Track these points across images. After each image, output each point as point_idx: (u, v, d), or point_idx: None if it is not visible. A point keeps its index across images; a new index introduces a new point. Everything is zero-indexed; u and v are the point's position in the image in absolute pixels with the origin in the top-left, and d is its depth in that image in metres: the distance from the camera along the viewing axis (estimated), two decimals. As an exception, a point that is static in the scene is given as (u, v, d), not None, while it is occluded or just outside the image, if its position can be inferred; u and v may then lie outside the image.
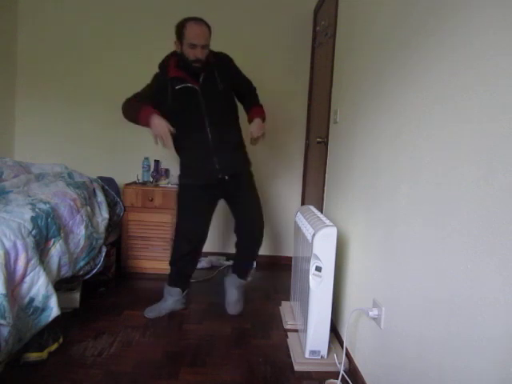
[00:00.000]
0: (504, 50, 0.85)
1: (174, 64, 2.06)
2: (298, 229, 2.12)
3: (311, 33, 3.10)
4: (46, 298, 1.64)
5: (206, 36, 1.99)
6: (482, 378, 0.88)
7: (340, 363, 1.65)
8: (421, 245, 1.19)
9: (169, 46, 3.09)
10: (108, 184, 2.67)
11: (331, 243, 1.70)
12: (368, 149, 1.69)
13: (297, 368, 1.76)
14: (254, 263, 2.50)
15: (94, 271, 2.18)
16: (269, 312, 2.35)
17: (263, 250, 3.28)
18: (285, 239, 3.31)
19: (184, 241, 2.22)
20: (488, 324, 0.87)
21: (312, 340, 1.76)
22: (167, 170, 3.14)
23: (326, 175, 2.38)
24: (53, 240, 1.81)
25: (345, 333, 1.80)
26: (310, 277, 1.73)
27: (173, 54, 2.11)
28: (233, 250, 2.40)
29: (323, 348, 1.77)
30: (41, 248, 1.72)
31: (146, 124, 1.95)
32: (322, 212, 2.33)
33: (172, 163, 3.13)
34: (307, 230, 1.85)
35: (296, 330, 2.04)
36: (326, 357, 1.78)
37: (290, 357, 1.84)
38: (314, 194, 2.80)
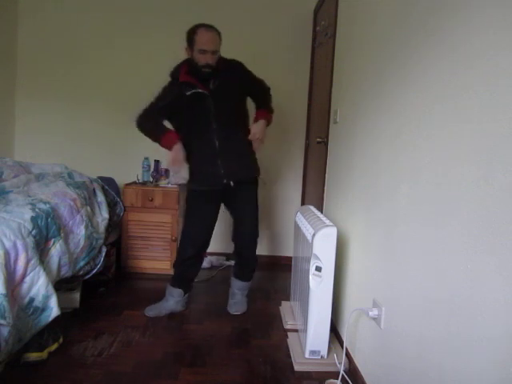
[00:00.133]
0: (504, 50, 0.85)
1: (184, 71, 2.10)
2: (297, 229, 2.12)
3: (311, 33, 3.10)
4: (46, 297, 1.64)
5: (216, 42, 2.02)
6: (482, 378, 0.88)
7: (340, 363, 1.65)
8: (421, 245, 1.19)
9: (169, 45, 3.11)
10: (108, 184, 2.67)
11: (331, 243, 1.70)
12: (368, 149, 1.69)
13: (297, 368, 1.76)
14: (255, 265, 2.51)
15: (94, 271, 2.18)
16: (269, 312, 2.35)
17: (263, 250, 3.30)
18: (285, 239, 3.31)
19: (189, 245, 2.23)
20: (488, 324, 0.87)
21: (312, 340, 1.76)
22: (167, 170, 3.14)
23: (326, 175, 2.38)
24: (53, 240, 1.81)
25: (345, 333, 1.80)
26: (310, 277, 1.73)
27: (183, 63, 2.14)
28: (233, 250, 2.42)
29: (323, 348, 1.77)
30: (41, 248, 1.72)
31: (167, 148, 2.06)
32: (322, 212, 2.33)
33: (172, 163, 3.12)
34: (307, 230, 1.85)
35: (296, 330, 2.04)
36: (326, 357, 1.78)
37: (289, 357, 1.84)
38: (314, 193, 2.80)
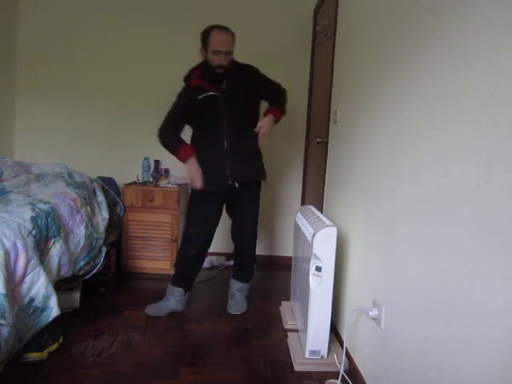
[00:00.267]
0: (504, 50, 0.85)
1: (197, 75, 2.13)
2: (298, 229, 2.12)
3: (311, 33, 3.10)
4: (46, 297, 1.64)
5: (230, 43, 2.05)
6: (482, 378, 0.88)
7: (340, 363, 1.65)
8: (421, 245, 1.19)
9: (169, 44, 3.12)
10: (108, 184, 2.67)
11: (331, 243, 1.70)
12: (368, 149, 1.69)
13: (297, 368, 1.76)
14: (254, 266, 2.52)
15: (94, 271, 2.18)
16: (269, 312, 2.35)
17: (263, 250, 3.30)
18: (285, 239, 3.31)
19: (191, 244, 2.24)
20: (488, 324, 0.87)
21: (312, 340, 1.76)
22: (167, 170, 3.14)
23: (326, 175, 2.38)
24: (53, 240, 1.81)
25: (345, 333, 1.80)
26: (310, 277, 1.73)
27: (197, 67, 2.17)
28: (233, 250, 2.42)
29: (323, 348, 1.77)
30: (41, 248, 1.72)
31: (182, 161, 2.14)
32: (322, 212, 2.33)
33: (172, 163, 3.13)
34: (307, 230, 1.85)
35: (296, 330, 2.04)
36: (326, 357, 1.78)
37: (290, 357, 1.84)
38: (313, 193, 2.80)
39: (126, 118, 3.19)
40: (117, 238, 2.79)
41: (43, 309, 1.64)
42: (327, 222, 1.79)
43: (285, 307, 2.33)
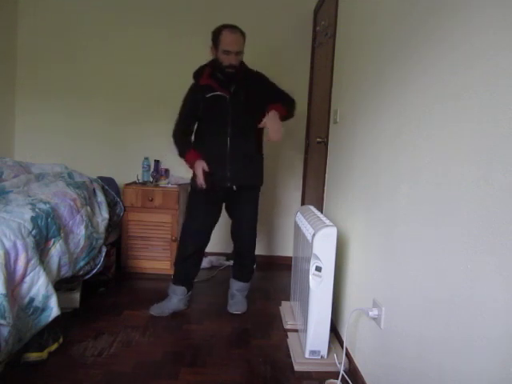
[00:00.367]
0: (504, 50, 0.85)
1: (207, 74, 2.13)
2: (298, 229, 2.12)
3: (311, 33, 3.10)
4: (46, 297, 1.64)
5: (240, 43, 2.06)
6: (482, 378, 0.88)
7: (340, 363, 1.65)
8: (421, 245, 1.19)
9: (169, 44, 3.12)
10: (108, 184, 2.67)
11: (331, 243, 1.70)
12: (368, 149, 1.69)
13: (297, 368, 1.76)
14: (255, 265, 2.52)
15: (94, 271, 2.18)
16: (269, 312, 2.35)
17: (263, 250, 3.30)
18: (285, 239, 3.31)
19: (189, 242, 2.25)
20: (488, 324, 0.87)
21: (312, 340, 1.76)
22: (167, 170, 3.14)
23: (326, 175, 2.38)
24: (53, 240, 1.81)
25: (345, 333, 1.80)
26: (310, 277, 1.73)
27: (207, 65, 2.17)
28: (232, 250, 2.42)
29: (323, 348, 1.77)
30: (41, 248, 1.72)
31: (190, 164, 2.15)
32: (322, 212, 2.33)
33: (172, 163, 3.13)
34: (307, 230, 1.85)
35: (296, 330, 2.04)
36: (326, 357, 1.78)
37: (289, 357, 1.84)
38: (313, 194, 2.80)
39: (126, 117, 3.19)
40: (117, 238, 2.79)
41: (43, 309, 1.64)
42: (327, 221, 1.79)
43: (285, 307, 2.33)
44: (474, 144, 0.95)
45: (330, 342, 1.83)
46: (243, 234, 2.33)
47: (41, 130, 3.19)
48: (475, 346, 0.90)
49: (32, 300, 1.60)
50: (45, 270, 1.67)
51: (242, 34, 2.07)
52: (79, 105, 3.16)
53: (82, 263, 2.06)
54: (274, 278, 2.99)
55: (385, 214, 1.48)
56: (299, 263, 2.04)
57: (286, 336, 2.03)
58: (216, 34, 2.07)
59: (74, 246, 1.99)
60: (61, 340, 1.82)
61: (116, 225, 2.67)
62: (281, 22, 3.11)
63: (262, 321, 2.23)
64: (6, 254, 1.49)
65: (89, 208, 2.22)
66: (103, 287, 2.51)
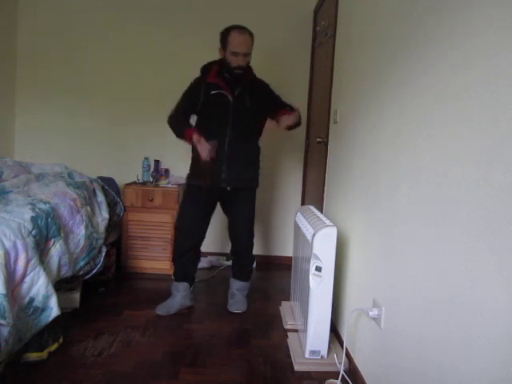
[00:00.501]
0: (504, 50, 0.85)
1: (215, 72, 2.14)
2: (298, 229, 2.12)
3: (311, 33, 3.10)
4: (46, 297, 1.64)
5: (248, 45, 2.08)
6: (482, 377, 0.88)
7: (340, 363, 1.65)
8: (421, 245, 1.19)
9: (169, 44, 3.12)
10: (108, 184, 2.67)
11: (331, 243, 1.70)
12: (368, 149, 1.69)
13: (297, 368, 1.76)
14: (254, 264, 2.53)
15: (94, 271, 2.18)
16: (269, 312, 2.35)
17: (263, 251, 3.30)
18: (285, 239, 3.31)
19: (183, 238, 2.27)
20: (488, 324, 0.87)
21: (312, 340, 1.76)
22: (167, 170, 3.14)
23: (326, 175, 2.38)
24: (53, 240, 1.81)
25: (345, 333, 1.80)
26: (310, 277, 1.73)
27: (216, 62, 2.17)
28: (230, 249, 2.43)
29: (323, 348, 1.77)
30: (41, 248, 1.72)
31: (190, 139, 2.10)
32: (322, 212, 2.33)
33: (172, 163, 3.13)
34: (307, 230, 1.85)
35: (296, 330, 2.04)
36: (325, 357, 1.78)
37: (289, 357, 1.84)
38: (314, 194, 2.80)
39: (126, 117, 3.19)
40: (117, 238, 2.78)
41: (43, 309, 1.64)
42: (327, 221, 1.79)
43: (285, 307, 2.33)
44: (474, 144, 0.95)
45: (330, 341, 1.83)
46: (240, 234, 2.34)
47: (41, 130, 3.19)
48: (475, 345, 0.90)
49: (32, 300, 1.60)
50: (45, 270, 1.67)
51: (251, 35, 2.08)
52: (79, 105, 3.16)
53: (82, 263, 2.06)
54: (273, 278, 2.99)
55: (385, 214, 1.48)
56: (299, 263, 2.04)
57: (286, 336, 2.03)
58: (224, 35, 2.07)
59: (74, 246, 1.99)
60: (61, 340, 1.82)
61: (116, 225, 2.67)
62: (281, 21, 3.11)
63: (262, 321, 2.23)
64: (6, 254, 1.49)
65: (89, 208, 2.21)
66: (103, 287, 2.51)
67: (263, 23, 3.11)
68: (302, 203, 3.24)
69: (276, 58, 3.11)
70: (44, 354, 1.70)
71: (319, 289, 1.72)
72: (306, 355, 1.77)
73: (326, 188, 2.39)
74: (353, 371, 1.70)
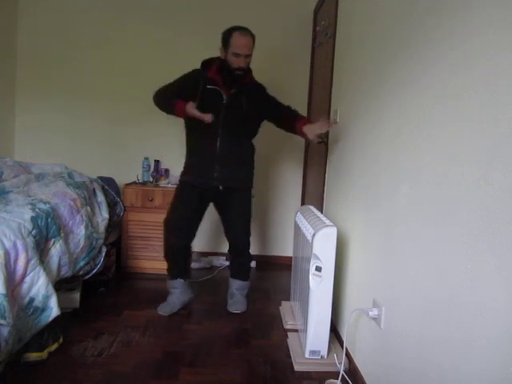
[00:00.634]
0: (504, 50, 0.85)
1: (216, 68, 2.13)
2: (298, 229, 2.12)
3: (311, 33, 3.10)
4: (46, 297, 1.64)
5: (250, 46, 2.08)
6: (482, 377, 0.88)
7: (340, 363, 1.65)
8: (421, 245, 1.19)
9: (169, 44, 3.12)
10: (108, 184, 2.67)
11: (331, 243, 1.70)
12: (368, 149, 1.69)
13: (297, 368, 1.76)
14: (253, 263, 2.52)
15: (94, 271, 2.18)
16: (269, 312, 2.35)
17: (263, 250, 3.30)
18: (284, 239, 3.31)
19: (171, 234, 2.25)
20: (488, 324, 0.87)
21: (312, 340, 1.76)
22: (167, 170, 3.14)
23: (326, 175, 2.38)
24: (53, 240, 1.81)
25: (345, 333, 1.80)
26: (310, 277, 1.73)
27: (218, 59, 2.17)
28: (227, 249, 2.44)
29: (323, 348, 1.77)
30: (41, 248, 1.72)
31: (181, 111, 2.04)
32: (322, 212, 2.33)
33: (172, 163, 3.13)
34: (307, 230, 1.85)
35: (296, 330, 2.04)
36: (325, 357, 1.78)
37: (289, 357, 1.84)
38: (314, 194, 2.80)
39: (126, 117, 3.19)
40: (117, 238, 2.78)
41: (43, 309, 1.64)
42: (327, 221, 1.79)
43: (285, 307, 2.33)
44: (474, 144, 0.95)
45: (330, 341, 1.83)
46: (237, 234, 2.33)
47: (41, 130, 3.19)
48: (475, 345, 0.90)
49: (32, 300, 1.60)
50: (45, 269, 1.67)
51: (252, 36, 2.08)
52: (79, 105, 3.16)
53: (82, 263, 2.06)
54: (273, 278, 2.99)
55: (385, 214, 1.48)
56: (299, 263, 2.04)
57: (286, 336, 2.03)
58: (226, 36, 2.07)
59: (74, 246, 1.99)
60: (61, 340, 1.82)
61: (116, 225, 2.67)
62: (281, 22, 3.11)
63: (262, 321, 2.23)
64: (6, 254, 1.49)
65: (89, 208, 2.21)
66: (103, 287, 2.51)
67: (263, 23, 3.11)
68: (302, 203, 3.24)
69: (276, 58, 3.11)
70: (44, 354, 1.70)
71: (319, 289, 1.72)
72: (306, 355, 1.77)
73: (325, 188, 2.39)
74: (353, 371, 1.70)
